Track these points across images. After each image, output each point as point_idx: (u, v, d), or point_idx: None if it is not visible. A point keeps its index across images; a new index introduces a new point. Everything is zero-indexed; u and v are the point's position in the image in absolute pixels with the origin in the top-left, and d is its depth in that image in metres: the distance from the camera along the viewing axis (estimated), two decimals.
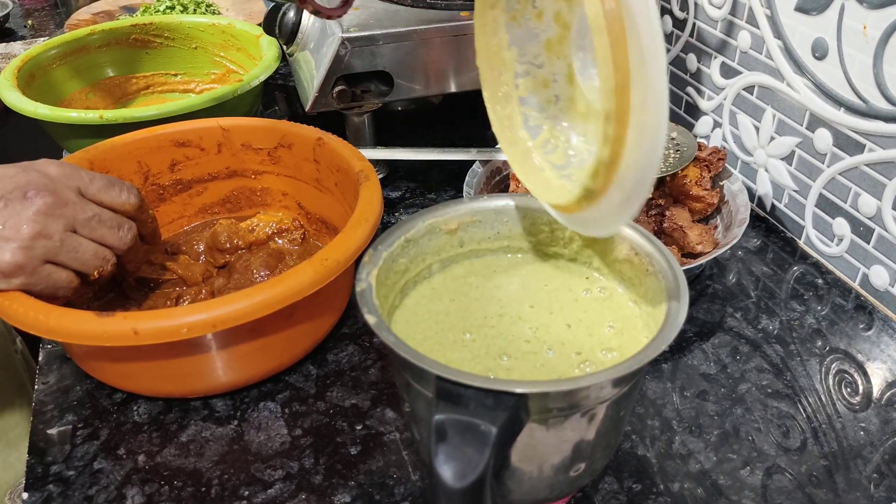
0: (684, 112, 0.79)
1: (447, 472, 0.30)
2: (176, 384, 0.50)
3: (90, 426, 0.50)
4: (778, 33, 0.63)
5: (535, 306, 0.42)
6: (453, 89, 0.74)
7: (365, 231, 0.51)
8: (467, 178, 0.66)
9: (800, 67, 0.62)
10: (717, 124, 0.74)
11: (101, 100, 0.84)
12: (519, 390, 0.31)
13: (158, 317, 0.44)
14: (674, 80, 0.79)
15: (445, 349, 0.39)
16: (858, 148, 0.58)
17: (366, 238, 0.51)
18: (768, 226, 0.69)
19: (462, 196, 0.42)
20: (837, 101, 0.59)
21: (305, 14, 0.74)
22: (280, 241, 0.65)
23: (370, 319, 0.35)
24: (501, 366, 0.38)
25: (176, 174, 0.66)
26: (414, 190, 0.76)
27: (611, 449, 0.40)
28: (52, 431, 0.50)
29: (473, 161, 0.68)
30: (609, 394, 0.34)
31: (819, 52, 0.59)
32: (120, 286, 0.59)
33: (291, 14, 0.74)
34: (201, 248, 0.65)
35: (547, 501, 0.41)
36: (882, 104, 0.55)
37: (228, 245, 0.63)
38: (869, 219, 0.59)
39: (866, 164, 0.58)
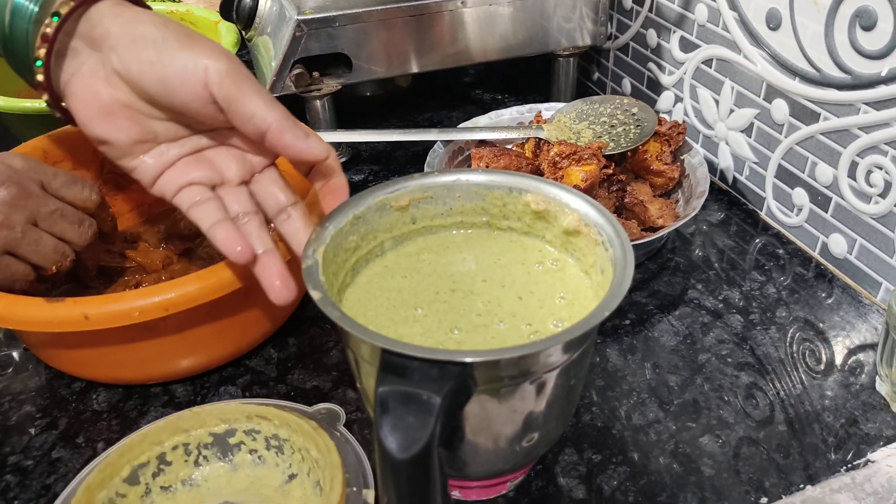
0: (646, 88, 0.79)
1: (391, 443, 0.30)
2: (134, 370, 0.50)
3: (49, 416, 0.50)
4: (733, 5, 0.63)
5: (487, 280, 0.42)
6: (415, 70, 0.74)
7: (319, 214, 0.50)
8: (428, 157, 0.66)
9: (755, 39, 0.62)
10: (678, 99, 0.74)
11: None
12: (463, 359, 0.31)
13: (109, 301, 0.44)
14: (635, 55, 0.79)
15: (397, 325, 0.39)
16: (814, 117, 0.58)
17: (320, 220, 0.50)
18: (730, 198, 0.70)
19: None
20: (792, 71, 0.59)
21: None
22: None
23: (315, 295, 0.35)
24: (452, 339, 0.38)
25: None
26: (377, 172, 0.75)
27: (565, 419, 0.40)
28: (10, 422, 0.50)
29: (435, 141, 0.67)
30: (557, 361, 0.34)
31: (773, 22, 0.59)
32: (77, 277, 0.58)
33: None
34: (161, 235, 0.64)
35: (505, 473, 0.41)
36: (835, 72, 0.55)
37: (188, 231, 0.63)
38: (826, 188, 0.59)
39: (822, 133, 0.58)
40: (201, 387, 0.52)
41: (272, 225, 0.45)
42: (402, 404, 0.30)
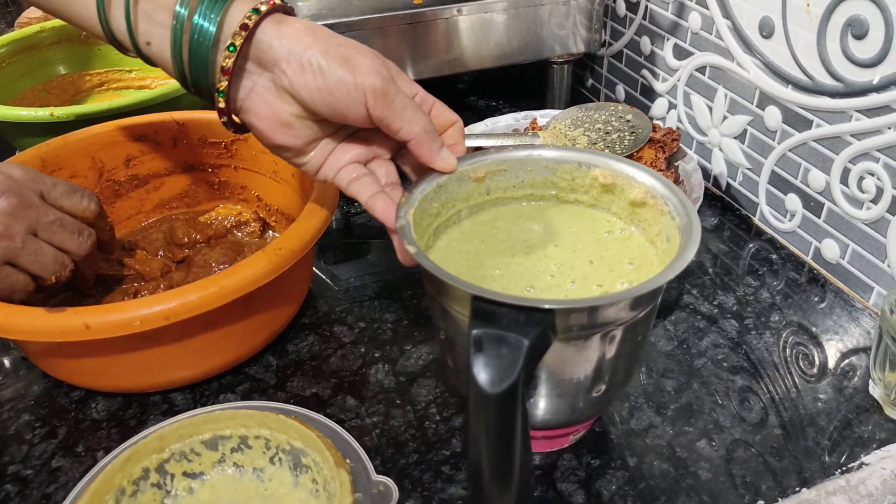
0: (640, 95, 0.79)
1: (483, 378, 0.32)
2: (133, 379, 0.50)
3: (48, 425, 0.50)
4: (726, 13, 0.64)
5: (559, 246, 0.45)
6: (411, 77, 0.74)
7: (319, 220, 0.51)
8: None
9: (748, 46, 0.62)
10: (672, 105, 0.75)
11: (54, 97, 0.83)
12: (547, 306, 0.34)
13: (110, 311, 0.44)
14: (629, 62, 0.80)
15: (477, 283, 0.41)
16: (806, 124, 0.59)
17: (320, 227, 0.51)
18: (724, 204, 0.70)
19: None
20: (785, 79, 0.60)
21: None
22: (239, 234, 0.65)
23: (410, 249, 0.37)
24: (528, 296, 0.42)
25: (132, 170, 0.65)
26: None
27: (628, 375, 0.43)
28: (9, 431, 0.50)
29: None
30: (626, 316, 0.37)
31: (766, 30, 0.60)
32: (75, 287, 0.58)
33: None
34: (159, 243, 0.64)
35: (572, 423, 0.44)
36: (827, 80, 0.56)
37: (186, 239, 0.63)
38: (819, 193, 0.60)
39: (814, 140, 0.59)
40: (201, 395, 0.52)
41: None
42: (494, 345, 0.33)
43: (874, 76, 0.52)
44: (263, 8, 0.40)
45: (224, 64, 0.41)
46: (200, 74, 0.42)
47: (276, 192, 0.65)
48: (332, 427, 0.46)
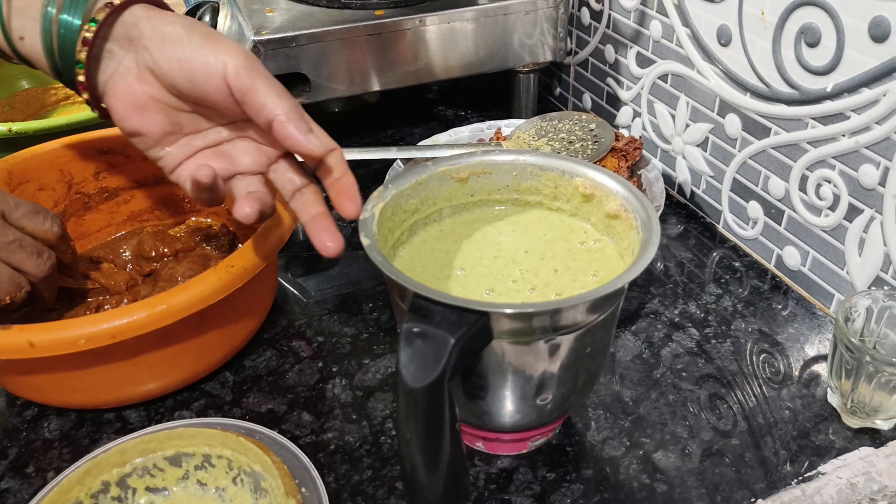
0: (606, 103, 0.79)
1: (408, 373, 0.33)
2: (86, 395, 0.49)
3: None
4: (686, 21, 0.64)
5: (529, 252, 0.45)
6: (376, 88, 0.74)
7: (274, 238, 0.50)
8: (388, 175, 0.66)
9: (708, 55, 0.63)
10: (636, 114, 0.75)
11: (18, 112, 0.82)
12: (479, 308, 0.34)
13: (56, 328, 0.43)
14: (594, 71, 0.80)
15: (439, 281, 0.43)
16: (765, 131, 0.59)
17: (275, 245, 0.50)
18: (689, 212, 0.70)
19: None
20: (743, 87, 0.60)
21: (222, 16, 0.73)
22: (208, 248, 0.64)
23: (364, 241, 0.38)
24: (486, 298, 0.42)
25: (101, 182, 0.64)
26: None
27: (580, 388, 0.42)
28: None
29: (395, 159, 0.68)
30: (568, 325, 0.37)
31: (724, 38, 0.60)
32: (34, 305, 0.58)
33: (207, 18, 0.73)
34: (128, 256, 0.64)
35: (521, 429, 0.44)
36: (783, 88, 0.56)
37: (154, 253, 0.62)
38: (779, 201, 0.60)
39: (773, 147, 0.59)
40: (155, 412, 0.51)
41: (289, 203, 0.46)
42: (422, 340, 0.34)
43: (828, 83, 0.52)
44: None
45: (85, 36, 0.41)
46: (69, 62, 0.42)
47: None
48: (294, 452, 0.45)
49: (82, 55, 0.42)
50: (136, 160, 0.64)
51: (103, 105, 0.45)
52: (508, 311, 0.35)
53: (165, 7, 0.44)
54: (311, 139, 0.41)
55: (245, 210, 0.42)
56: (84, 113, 0.68)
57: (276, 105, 0.40)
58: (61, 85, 0.85)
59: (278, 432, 0.49)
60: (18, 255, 0.48)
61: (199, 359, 0.51)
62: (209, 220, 0.66)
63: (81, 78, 0.43)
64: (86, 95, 0.44)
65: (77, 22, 0.42)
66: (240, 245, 0.65)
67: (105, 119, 0.45)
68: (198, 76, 0.41)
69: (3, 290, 0.48)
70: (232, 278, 0.47)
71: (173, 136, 0.45)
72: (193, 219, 0.67)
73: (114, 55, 0.43)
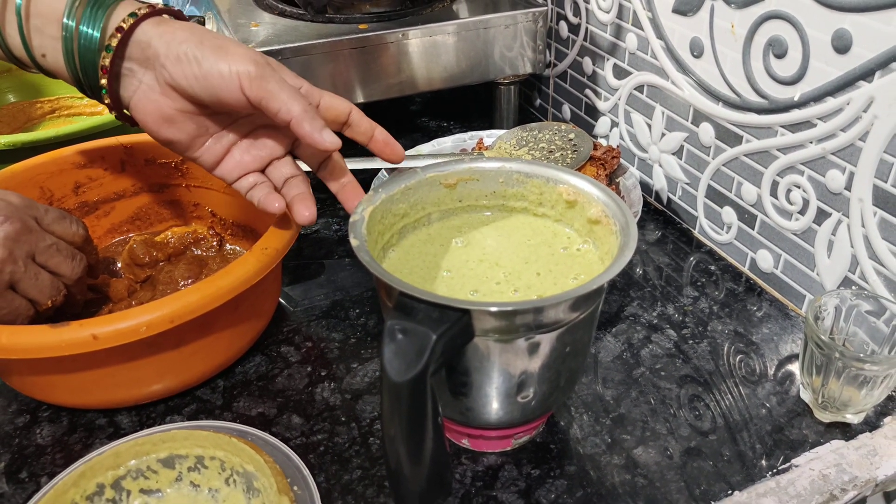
0: (585, 114, 0.82)
1: (391, 368, 0.34)
2: (103, 395, 0.51)
3: None
4: (660, 34, 0.66)
5: (513, 256, 0.47)
6: (360, 100, 0.75)
7: (292, 225, 0.53)
8: (373, 184, 0.67)
9: (681, 66, 0.65)
10: (614, 124, 0.77)
11: (5, 125, 0.83)
12: (460, 306, 0.36)
13: (114, 320, 0.45)
14: (573, 82, 0.82)
15: (426, 282, 0.45)
16: (737, 139, 0.61)
17: (294, 231, 0.54)
18: (666, 218, 0.72)
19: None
20: (716, 97, 0.62)
21: None
22: (196, 251, 0.65)
23: (353, 242, 0.40)
24: (469, 299, 0.43)
25: (81, 196, 0.65)
26: (324, 201, 0.76)
27: (561, 387, 0.44)
28: None
29: (379, 169, 0.69)
30: (547, 324, 0.39)
31: (696, 50, 0.63)
32: (63, 312, 0.58)
33: None
34: (118, 265, 0.64)
35: (504, 426, 0.45)
36: (753, 97, 0.58)
37: (147, 259, 0.63)
38: (752, 206, 0.62)
39: (745, 155, 0.61)
40: (147, 416, 0.52)
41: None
42: (404, 336, 0.35)
43: (795, 93, 0.54)
44: (140, 12, 0.44)
45: (103, 63, 0.44)
46: (92, 78, 0.46)
47: (231, 205, 0.66)
48: (285, 452, 0.47)
49: (104, 81, 0.45)
50: (115, 171, 0.65)
51: (127, 114, 0.48)
52: (489, 308, 0.37)
53: (174, 13, 0.47)
54: (326, 136, 0.45)
55: (304, 215, 0.48)
56: (70, 126, 0.68)
57: (288, 110, 0.44)
58: (47, 98, 0.86)
59: (269, 434, 0.50)
60: (56, 259, 0.50)
61: (207, 359, 0.53)
62: (193, 227, 0.67)
63: (107, 101, 0.46)
64: (115, 113, 0.47)
65: (96, 35, 0.44)
66: (228, 246, 0.66)
67: (134, 127, 0.49)
68: (216, 89, 0.44)
69: (45, 294, 0.49)
70: (268, 259, 0.50)
71: (203, 138, 0.48)
72: (174, 227, 0.68)
73: (134, 73, 0.46)
